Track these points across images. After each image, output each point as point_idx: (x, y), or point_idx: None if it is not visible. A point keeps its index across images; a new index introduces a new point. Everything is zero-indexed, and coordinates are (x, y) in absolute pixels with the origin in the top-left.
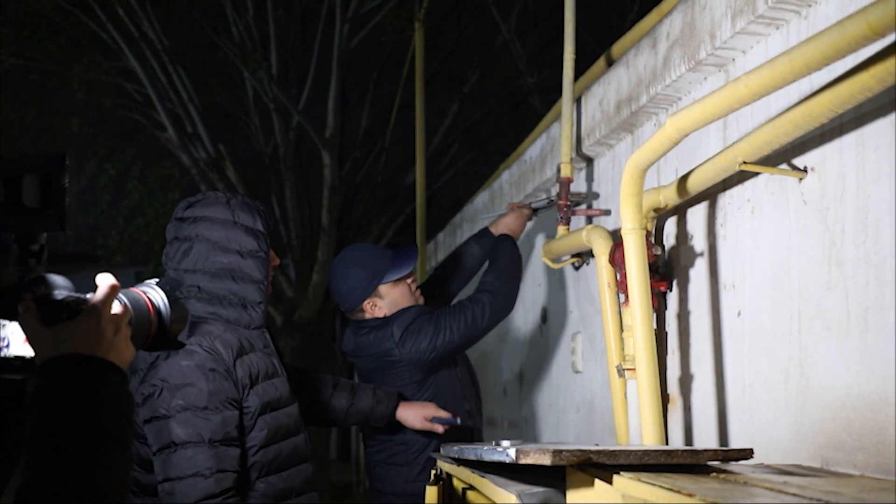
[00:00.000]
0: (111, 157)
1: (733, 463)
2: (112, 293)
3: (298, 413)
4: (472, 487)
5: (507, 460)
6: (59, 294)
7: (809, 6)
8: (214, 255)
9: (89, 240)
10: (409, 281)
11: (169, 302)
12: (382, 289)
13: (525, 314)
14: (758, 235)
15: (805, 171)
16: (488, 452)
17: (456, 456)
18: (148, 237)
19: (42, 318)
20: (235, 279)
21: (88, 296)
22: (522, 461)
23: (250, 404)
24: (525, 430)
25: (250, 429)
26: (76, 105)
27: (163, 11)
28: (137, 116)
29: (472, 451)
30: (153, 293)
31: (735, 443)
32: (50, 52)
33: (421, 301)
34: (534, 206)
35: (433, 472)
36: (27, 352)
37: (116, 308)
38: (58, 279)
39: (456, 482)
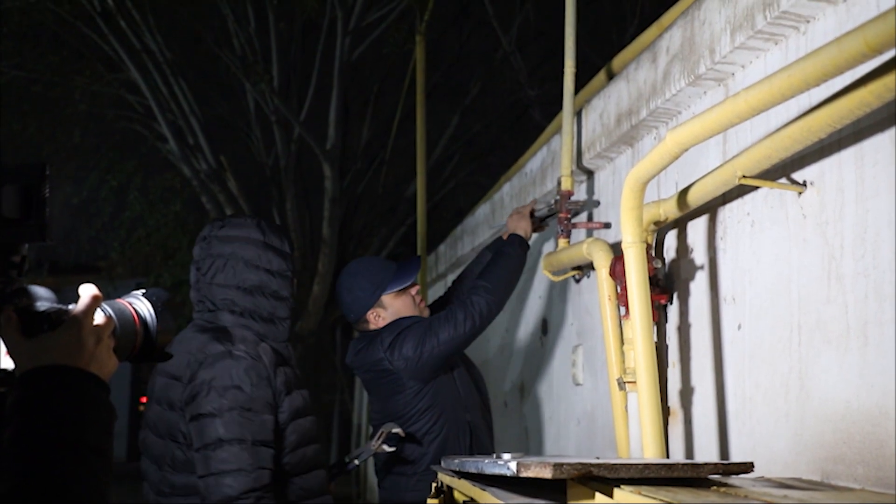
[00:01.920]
0: (113, 169)
1: (734, 476)
2: (94, 304)
3: (316, 424)
4: (472, 500)
5: (509, 473)
6: (41, 305)
7: (808, 22)
8: (247, 273)
9: (91, 251)
10: (412, 292)
11: (156, 313)
12: (385, 299)
13: (526, 326)
14: (758, 249)
15: (804, 185)
16: (489, 465)
17: (457, 469)
18: (149, 248)
19: (23, 329)
20: (265, 295)
21: (70, 307)
22: (523, 474)
23: (284, 410)
24: (526, 443)
25: (283, 431)
26: (78, 117)
27: (165, 23)
28: (139, 128)
29: (472, 464)
30: (139, 304)
31: (735, 456)
32: (52, 64)
33: (426, 313)
34: (536, 215)
35: (434, 484)
36: (8, 364)
37: (99, 319)
38: (39, 290)
39: (457, 495)
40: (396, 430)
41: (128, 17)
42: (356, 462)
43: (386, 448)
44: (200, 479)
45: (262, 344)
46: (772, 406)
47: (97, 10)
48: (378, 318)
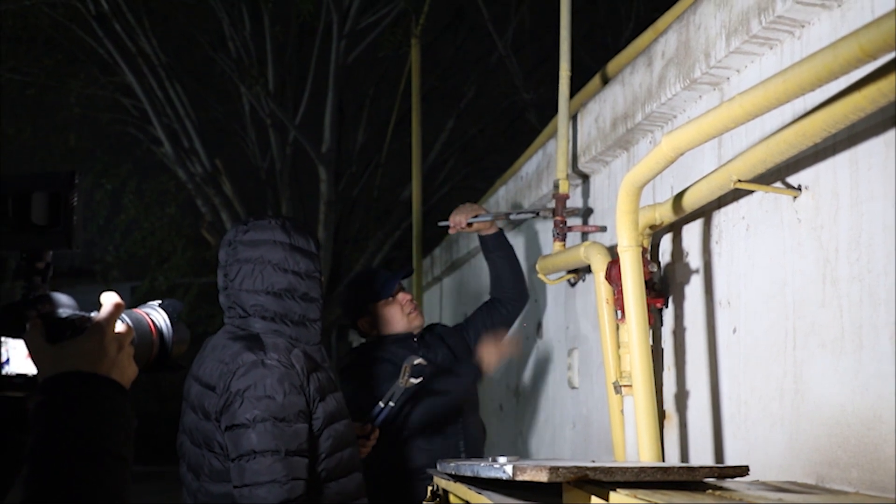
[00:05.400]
0: (107, 172)
1: (729, 480)
2: (116, 312)
3: (351, 426)
4: None
5: (504, 477)
6: (64, 312)
7: (803, 27)
8: (275, 277)
9: (86, 255)
10: (401, 301)
11: (171, 323)
12: (373, 308)
13: (521, 329)
14: (753, 253)
15: (799, 189)
16: (485, 469)
17: (453, 472)
18: (144, 252)
19: (47, 335)
20: (295, 298)
21: (93, 314)
22: (519, 478)
23: (318, 416)
24: (521, 446)
25: (318, 438)
26: (73, 120)
27: (160, 27)
28: (134, 131)
29: (468, 468)
30: (156, 314)
31: (731, 459)
32: (47, 68)
33: (416, 321)
34: (513, 217)
35: (430, 488)
36: (29, 369)
37: (120, 327)
38: (62, 297)
39: (453, 499)
40: (418, 360)
41: (123, 21)
42: (391, 403)
43: (413, 381)
44: (235, 490)
45: (294, 350)
46: (767, 410)
47: (92, 13)
48: (368, 325)
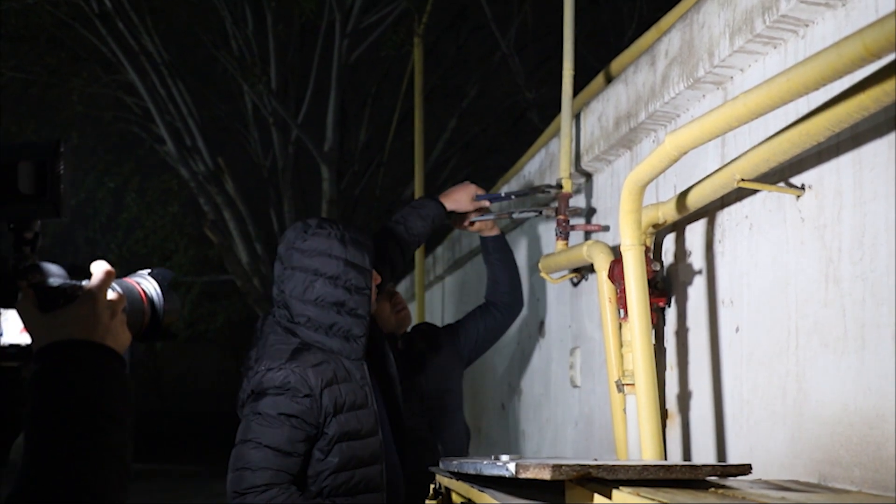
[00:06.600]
0: (110, 171)
1: (731, 478)
2: (107, 279)
3: (378, 446)
4: (470, 502)
5: (507, 475)
6: (54, 281)
7: (807, 26)
8: (326, 289)
9: (88, 253)
10: (390, 301)
11: (162, 292)
12: None
13: (522, 328)
14: (756, 252)
15: (802, 188)
16: (488, 467)
17: (455, 470)
18: (147, 250)
19: (39, 304)
20: (341, 313)
21: (84, 282)
22: (522, 476)
23: (329, 431)
24: (523, 445)
25: (326, 454)
26: (75, 118)
27: (163, 25)
28: (137, 130)
29: (471, 466)
30: (146, 283)
31: (733, 458)
32: (50, 66)
33: (406, 322)
34: (516, 216)
35: (432, 486)
36: (22, 340)
37: (111, 294)
38: (52, 267)
39: (455, 496)
40: (554, 188)
41: (126, 19)
42: (512, 196)
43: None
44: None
45: (322, 364)
46: (769, 408)
47: (95, 11)
48: None
